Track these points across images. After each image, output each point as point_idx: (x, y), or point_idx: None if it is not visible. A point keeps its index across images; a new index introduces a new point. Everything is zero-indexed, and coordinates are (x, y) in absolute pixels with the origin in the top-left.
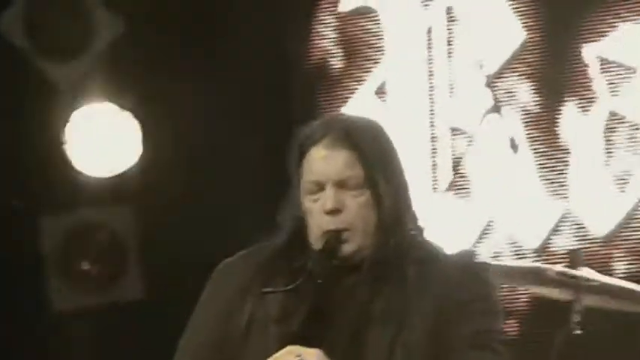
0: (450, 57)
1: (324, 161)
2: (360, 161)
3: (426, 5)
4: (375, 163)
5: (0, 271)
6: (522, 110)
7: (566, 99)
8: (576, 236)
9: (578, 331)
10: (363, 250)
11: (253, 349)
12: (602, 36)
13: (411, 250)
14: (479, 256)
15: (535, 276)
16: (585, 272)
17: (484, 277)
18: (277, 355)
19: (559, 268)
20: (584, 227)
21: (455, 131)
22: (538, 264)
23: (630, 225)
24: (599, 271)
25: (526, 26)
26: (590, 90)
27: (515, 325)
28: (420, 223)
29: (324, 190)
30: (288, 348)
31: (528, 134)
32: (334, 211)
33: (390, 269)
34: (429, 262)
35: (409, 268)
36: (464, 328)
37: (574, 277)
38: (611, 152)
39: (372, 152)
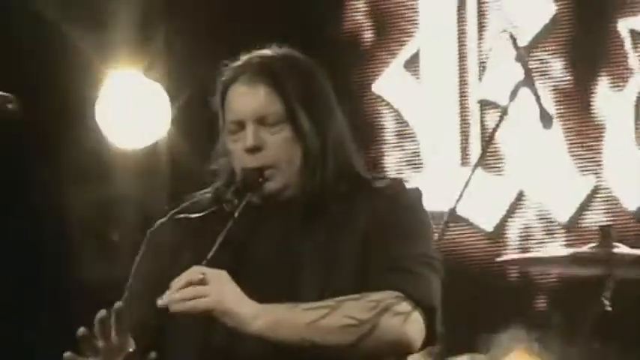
0: (481, 30)
1: (242, 98)
2: (279, 97)
3: None
4: (294, 96)
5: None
6: (554, 85)
7: (599, 74)
8: (609, 212)
9: (609, 307)
10: (290, 188)
11: None
12: (637, 10)
13: (339, 185)
14: (408, 183)
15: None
16: (618, 248)
17: (408, 202)
18: (182, 275)
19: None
20: (617, 202)
21: (486, 105)
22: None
23: None
24: (631, 247)
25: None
26: (624, 65)
27: (546, 301)
28: (355, 154)
29: (245, 128)
30: (193, 267)
31: (560, 109)
32: (254, 149)
33: (316, 207)
34: (357, 197)
35: (335, 205)
36: (381, 253)
37: (606, 253)
38: None
39: (291, 86)
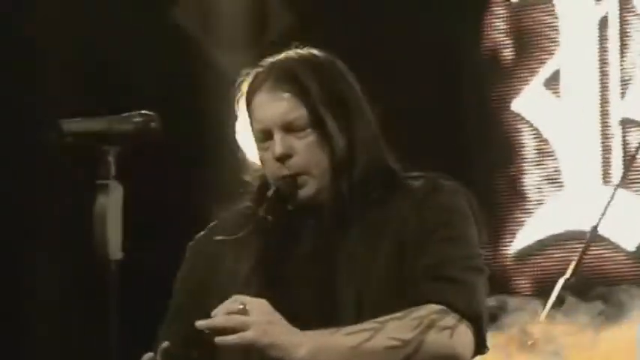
0: (623, 47)
1: (267, 107)
2: (302, 100)
3: None
4: (318, 99)
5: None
6: None
7: None
8: None
9: None
10: (322, 193)
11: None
12: None
13: (371, 187)
14: (446, 179)
15: None
16: None
17: (447, 201)
18: (222, 305)
19: None
20: None
21: (628, 123)
22: None
23: None
24: None
25: None
26: None
27: None
28: (387, 154)
29: (273, 136)
30: (234, 297)
31: None
32: (284, 157)
33: (349, 211)
34: (391, 199)
35: (368, 209)
36: (422, 260)
37: None
38: None
39: (314, 89)
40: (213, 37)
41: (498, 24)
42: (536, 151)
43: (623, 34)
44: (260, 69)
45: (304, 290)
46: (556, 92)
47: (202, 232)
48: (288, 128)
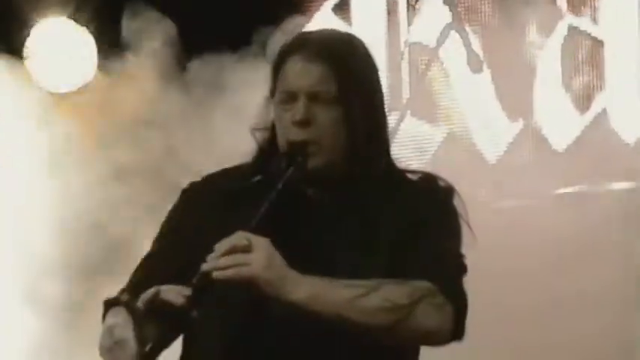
0: None
1: (299, 72)
2: (334, 76)
3: None
4: (349, 79)
5: None
6: (483, 28)
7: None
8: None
9: None
10: (329, 167)
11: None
12: None
13: (377, 173)
14: (442, 179)
15: None
16: None
17: (444, 199)
18: (226, 239)
19: None
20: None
21: (416, 48)
22: None
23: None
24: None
25: None
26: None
27: None
28: (390, 145)
29: (297, 101)
30: (238, 233)
31: (488, 52)
32: (303, 122)
33: (355, 192)
34: (393, 188)
35: (373, 193)
36: (418, 248)
37: None
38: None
39: (347, 69)
40: None
41: None
42: None
43: None
44: (299, 36)
45: (301, 259)
46: (346, 19)
47: (197, 180)
48: (315, 98)
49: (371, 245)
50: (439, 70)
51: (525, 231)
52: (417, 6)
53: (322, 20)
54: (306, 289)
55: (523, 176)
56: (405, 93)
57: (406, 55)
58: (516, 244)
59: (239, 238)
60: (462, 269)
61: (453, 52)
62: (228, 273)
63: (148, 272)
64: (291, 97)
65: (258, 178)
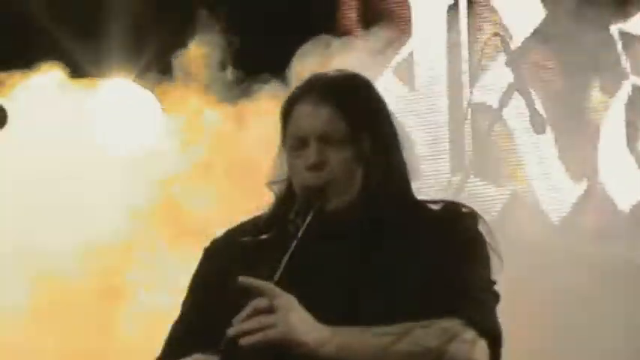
0: (473, 34)
1: (308, 117)
2: (344, 117)
3: None
4: (359, 119)
5: None
6: (546, 88)
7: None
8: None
9: None
10: (350, 209)
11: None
12: (629, 13)
13: (398, 209)
14: (465, 206)
15: None
16: None
17: (469, 227)
18: (249, 304)
19: None
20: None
21: (479, 108)
22: None
23: None
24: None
25: (547, 2)
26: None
27: None
28: (410, 179)
29: (308, 145)
30: (264, 286)
31: (552, 113)
32: (317, 166)
33: (376, 231)
34: (415, 221)
35: (394, 229)
36: (445, 280)
37: None
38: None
39: (356, 108)
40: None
41: (350, 13)
42: None
43: (472, 20)
44: (303, 82)
45: (326, 306)
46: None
47: (219, 235)
48: (326, 139)
49: (397, 285)
50: (502, 131)
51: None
52: (482, 61)
53: (384, 83)
54: (335, 342)
55: (587, 237)
56: (469, 153)
57: (469, 116)
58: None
59: (260, 300)
60: (492, 298)
61: (516, 112)
62: (254, 338)
63: (176, 341)
64: (302, 143)
65: (278, 228)
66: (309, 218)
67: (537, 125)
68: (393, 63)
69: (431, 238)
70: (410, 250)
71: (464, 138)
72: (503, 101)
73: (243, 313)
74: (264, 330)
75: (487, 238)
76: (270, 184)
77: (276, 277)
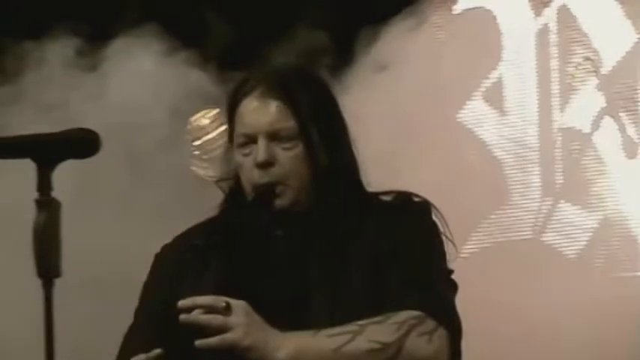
0: (563, 58)
1: (255, 113)
2: (292, 112)
3: (540, 5)
4: (307, 114)
5: None
6: (637, 112)
7: None
8: None
9: None
10: (297, 206)
11: None
12: None
13: (348, 202)
14: (416, 195)
15: None
16: None
17: (420, 215)
18: (205, 297)
19: None
20: None
21: (569, 133)
22: None
23: None
24: None
25: (638, 26)
26: None
27: None
28: (362, 172)
29: (256, 143)
30: (215, 297)
31: None
32: (266, 164)
33: (325, 225)
34: (366, 213)
35: (344, 222)
36: (399, 271)
37: None
38: None
39: (304, 102)
40: None
41: (439, 34)
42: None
43: (562, 44)
44: (250, 76)
45: (275, 301)
46: (497, 104)
47: (169, 242)
48: (274, 137)
49: (350, 278)
50: (593, 156)
51: None
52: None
53: (473, 108)
54: (289, 347)
55: None
56: (559, 179)
57: (559, 141)
58: None
59: (218, 299)
60: (449, 285)
61: (607, 137)
62: (211, 343)
63: (131, 351)
64: (249, 140)
65: (227, 228)
66: (258, 217)
67: (629, 150)
68: (483, 87)
69: (385, 230)
70: (364, 244)
71: (554, 162)
72: (594, 125)
73: (199, 301)
74: (221, 334)
75: (440, 227)
76: (219, 182)
77: (226, 276)
